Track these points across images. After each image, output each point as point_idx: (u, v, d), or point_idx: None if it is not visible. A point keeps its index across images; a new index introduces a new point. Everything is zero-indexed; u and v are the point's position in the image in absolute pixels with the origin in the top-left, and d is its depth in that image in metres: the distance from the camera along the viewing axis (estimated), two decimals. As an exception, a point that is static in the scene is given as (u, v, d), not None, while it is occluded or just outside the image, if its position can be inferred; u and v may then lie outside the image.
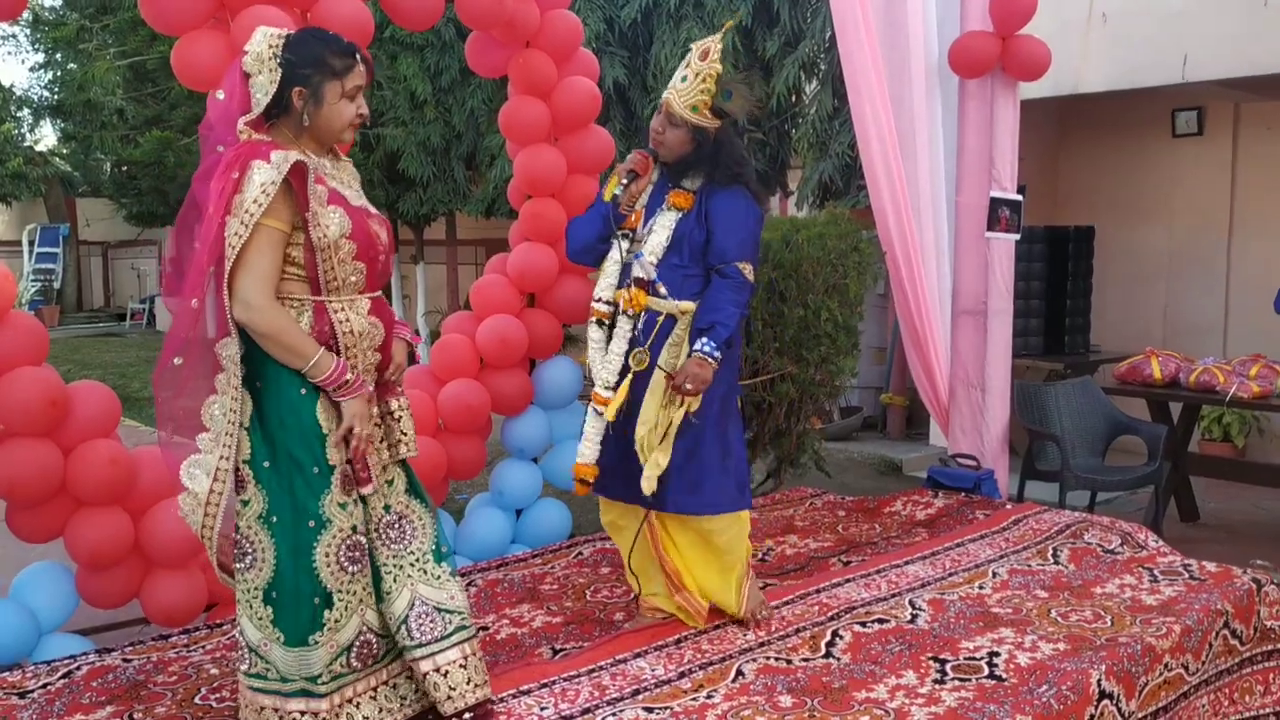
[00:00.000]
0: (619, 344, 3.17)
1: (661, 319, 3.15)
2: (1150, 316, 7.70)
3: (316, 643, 2.45)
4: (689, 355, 3.05)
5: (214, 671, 2.98)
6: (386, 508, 2.61)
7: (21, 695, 2.81)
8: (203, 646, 3.18)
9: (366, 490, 2.55)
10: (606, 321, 3.25)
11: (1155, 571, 3.73)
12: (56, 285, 20.22)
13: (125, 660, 3.05)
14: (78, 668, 2.98)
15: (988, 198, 5.11)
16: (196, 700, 2.81)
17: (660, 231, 3.16)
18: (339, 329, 2.49)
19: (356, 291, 2.55)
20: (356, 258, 2.51)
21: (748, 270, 3.13)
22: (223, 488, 2.44)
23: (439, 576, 2.64)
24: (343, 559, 2.48)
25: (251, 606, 2.47)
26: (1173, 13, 6.35)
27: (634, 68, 8.02)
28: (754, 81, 3.34)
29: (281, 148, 2.44)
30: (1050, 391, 5.50)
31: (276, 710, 2.47)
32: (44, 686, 2.86)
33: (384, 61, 9.53)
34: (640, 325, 3.17)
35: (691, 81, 3.12)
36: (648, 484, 3.04)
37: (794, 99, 7.80)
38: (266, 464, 2.46)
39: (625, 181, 3.22)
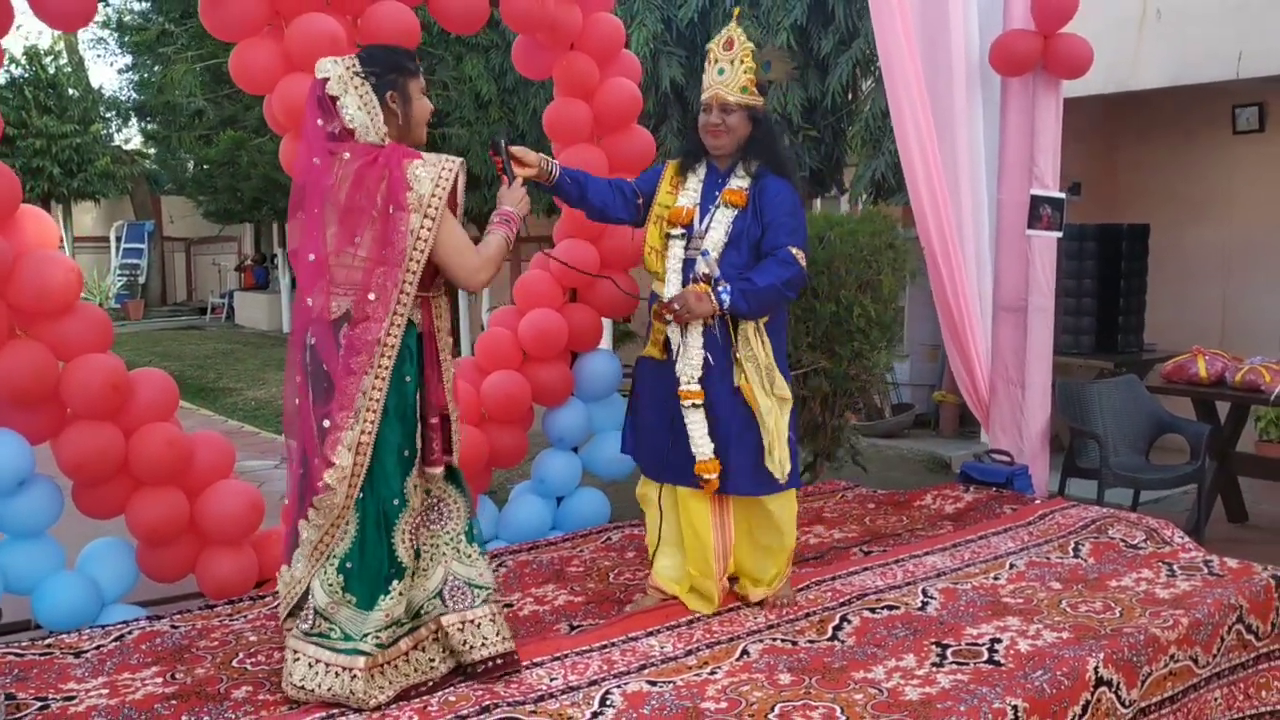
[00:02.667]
0: (695, 338, 3.21)
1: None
2: (1207, 315, 7.58)
3: (380, 606, 2.68)
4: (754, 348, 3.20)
5: (253, 639, 3.18)
6: (428, 492, 2.87)
7: (76, 655, 3.04)
8: (245, 616, 3.38)
9: (437, 470, 2.79)
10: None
11: (1174, 566, 3.75)
12: (142, 280, 20.96)
13: (173, 626, 3.26)
14: (129, 632, 3.21)
15: (1029, 195, 5.14)
16: (234, 664, 3.00)
17: (718, 228, 3.23)
18: (436, 323, 2.78)
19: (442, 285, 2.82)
20: None
21: (799, 254, 3.19)
22: (365, 460, 2.65)
23: (470, 555, 2.89)
24: (410, 536, 2.75)
25: (325, 572, 2.71)
26: (1228, 8, 6.26)
27: (691, 67, 8.06)
28: (784, 49, 3.46)
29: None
30: (1092, 389, 5.49)
31: (326, 664, 2.67)
32: (97, 648, 3.09)
33: (449, 63, 9.74)
34: (716, 321, 3.20)
35: (733, 69, 3.24)
36: (779, 469, 3.19)
37: (849, 96, 7.83)
38: None
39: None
